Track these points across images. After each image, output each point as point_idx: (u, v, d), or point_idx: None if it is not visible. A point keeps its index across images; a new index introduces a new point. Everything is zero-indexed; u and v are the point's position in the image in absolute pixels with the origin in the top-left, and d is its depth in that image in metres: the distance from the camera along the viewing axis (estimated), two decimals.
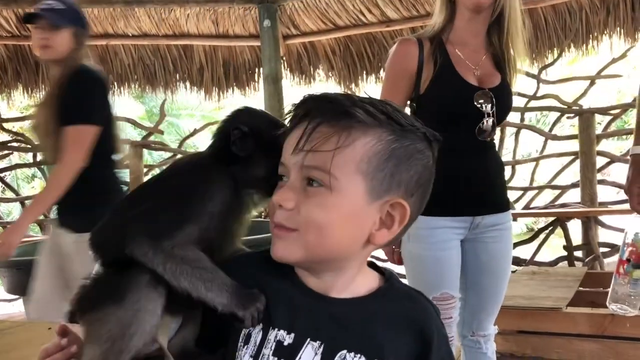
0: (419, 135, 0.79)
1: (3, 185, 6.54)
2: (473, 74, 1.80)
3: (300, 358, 0.76)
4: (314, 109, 0.76)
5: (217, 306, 0.77)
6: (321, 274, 0.80)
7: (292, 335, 0.77)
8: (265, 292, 0.80)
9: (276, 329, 0.78)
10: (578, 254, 4.64)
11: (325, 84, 5.80)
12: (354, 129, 0.74)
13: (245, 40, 5.63)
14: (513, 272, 4.09)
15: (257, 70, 5.83)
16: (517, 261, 4.90)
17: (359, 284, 0.81)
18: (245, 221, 0.89)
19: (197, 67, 5.85)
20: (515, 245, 5.20)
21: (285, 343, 0.77)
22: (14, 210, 8.05)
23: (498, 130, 5.23)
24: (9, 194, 6.46)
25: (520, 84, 5.50)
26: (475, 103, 1.76)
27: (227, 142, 0.84)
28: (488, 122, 1.77)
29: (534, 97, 5.17)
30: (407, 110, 1.88)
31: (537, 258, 4.99)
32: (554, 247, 5.30)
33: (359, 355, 0.75)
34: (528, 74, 5.21)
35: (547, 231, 4.97)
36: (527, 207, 5.16)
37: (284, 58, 5.58)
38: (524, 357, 2.78)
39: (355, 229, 0.77)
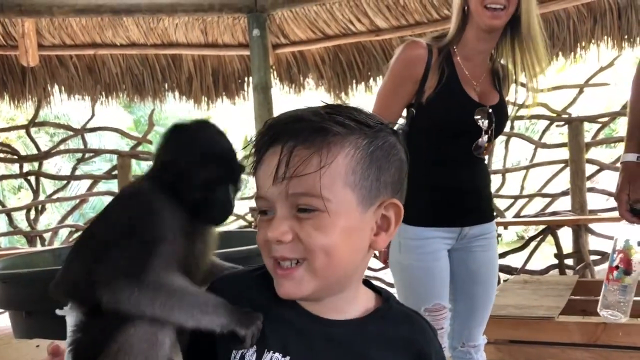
0: (387, 132, 0.77)
1: None
2: (474, 89, 1.79)
3: None
4: (283, 132, 0.73)
5: (215, 328, 0.75)
6: (322, 299, 0.78)
7: (287, 358, 0.75)
8: (259, 310, 0.78)
9: (271, 352, 0.75)
10: (569, 262, 4.65)
11: (315, 92, 5.80)
12: (332, 144, 0.72)
13: (234, 49, 5.61)
14: (505, 281, 4.08)
15: (246, 79, 5.82)
16: (508, 270, 4.90)
17: (356, 304, 0.80)
18: (211, 235, 0.88)
19: (186, 77, 5.82)
20: (506, 253, 5.21)
21: None
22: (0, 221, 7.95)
23: None
24: None
25: (510, 92, 5.53)
26: (476, 120, 1.76)
27: (159, 169, 0.82)
28: (484, 139, 1.78)
29: (523, 105, 5.19)
30: (401, 118, 1.88)
31: (528, 266, 4.99)
32: (544, 256, 5.31)
33: None
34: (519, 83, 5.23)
35: (537, 239, 4.97)
36: (517, 215, 5.16)
37: (274, 67, 5.57)
38: None
39: (358, 241, 0.75)
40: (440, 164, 1.80)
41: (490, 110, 1.77)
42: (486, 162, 1.98)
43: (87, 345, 0.76)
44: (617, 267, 1.74)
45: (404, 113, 1.85)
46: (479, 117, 1.76)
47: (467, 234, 1.83)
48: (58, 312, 0.83)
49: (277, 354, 0.75)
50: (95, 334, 0.75)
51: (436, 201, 1.80)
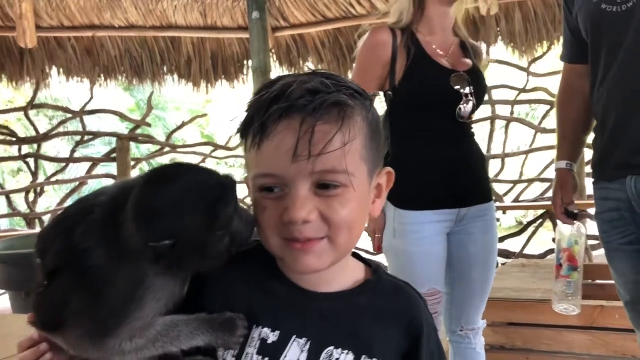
0: (368, 98, 0.76)
1: None
2: (445, 60, 1.80)
3: (285, 356, 0.73)
4: (297, 106, 0.69)
5: (203, 345, 0.73)
6: None
7: (277, 332, 0.74)
8: (247, 287, 0.77)
9: (260, 327, 0.75)
10: None
11: None
12: (350, 119, 0.71)
13: (233, 32, 5.58)
14: (503, 264, 4.10)
15: (245, 62, 5.79)
16: (506, 254, 4.92)
17: (346, 276, 0.79)
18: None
19: (184, 59, 5.79)
20: (505, 238, 5.22)
21: (270, 341, 0.74)
22: None
23: (488, 123, 5.25)
24: None
25: (510, 77, 5.51)
26: (453, 85, 1.75)
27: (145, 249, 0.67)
28: (467, 104, 1.76)
29: (523, 90, 5.18)
30: (382, 103, 1.87)
31: (526, 251, 5.01)
32: (542, 241, 5.32)
33: (346, 351, 0.73)
34: (518, 67, 5.21)
35: (536, 224, 4.98)
36: (516, 199, 5.17)
37: (273, 50, 5.54)
38: (514, 349, 2.77)
39: (366, 212, 0.77)
40: (427, 142, 1.78)
41: (464, 73, 1.77)
42: (479, 145, 1.93)
43: (48, 309, 0.74)
44: (560, 265, 1.82)
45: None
46: (458, 84, 1.75)
47: (465, 215, 1.80)
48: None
49: (266, 329, 0.75)
50: (52, 298, 0.72)
51: (428, 182, 1.77)
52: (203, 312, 0.76)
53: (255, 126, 0.71)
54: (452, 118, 1.75)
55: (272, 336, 0.74)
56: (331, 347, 0.73)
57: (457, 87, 1.75)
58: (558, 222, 1.85)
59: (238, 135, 0.76)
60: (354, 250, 0.82)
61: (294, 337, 0.74)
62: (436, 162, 1.77)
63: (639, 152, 1.50)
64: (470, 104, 1.76)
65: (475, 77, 1.80)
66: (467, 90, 1.75)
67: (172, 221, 0.65)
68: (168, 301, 0.73)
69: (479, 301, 1.90)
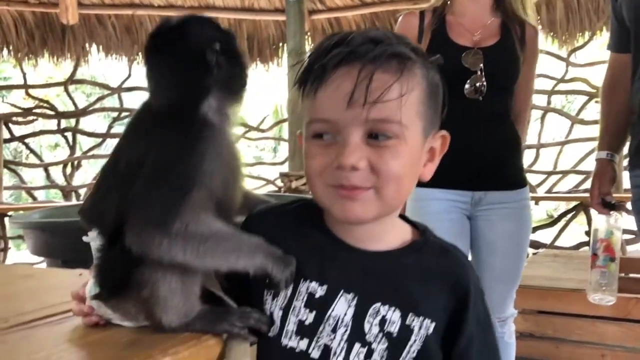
0: (434, 65, 0.77)
1: (28, 151, 6.63)
2: (471, 39, 1.77)
3: (333, 310, 0.74)
4: (357, 54, 0.69)
5: (250, 270, 0.73)
6: (363, 224, 0.77)
7: (325, 287, 0.75)
8: (294, 243, 0.77)
9: (307, 281, 0.75)
10: None
11: None
12: (410, 71, 0.71)
13: (270, 14, 5.60)
14: (534, 254, 4.06)
15: (281, 45, 5.80)
16: (536, 245, 4.86)
17: (393, 235, 0.79)
18: (239, 156, 0.82)
19: None
20: (536, 229, 5.16)
21: (317, 295, 0.75)
22: (36, 176, 8.15)
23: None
24: (33, 160, 6.53)
25: (548, 67, 5.41)
26: (464, 63, 1.71)
27: (196, 70, 0.73)
28: (479, 79, 1.71)
29: (562, 80, 5.08)
30: None
31: (558, 243, 4.94)
32: (574, 234, 5.25)
33: (393, 308, 0.73)
34: (557, 57, 5.12)
35: (568, 216, 4.91)
36: (549, 191, 5.10)
37: (309, 33, 5.54)
38: (544, 338, 2.75)
39: (417, 172, 0.77)
40: (442, 124, 1.76)
41: (477, 50, 1.73)
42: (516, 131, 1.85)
43: (110, 273, 0.74)
44: (596, 255, 1.81)
45: None
46: (467, 61, 1.72)
47: (481, 199, 1.76)
48: (84, 238, 0.79)
49: (313, 283, 0.75)
50: (117, 263, 0.72)
51: (440, 162, 1.74)
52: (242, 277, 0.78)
53: (315, 71, 0.71)
54: (463, 97, 1.71)
55: (319, 290, 0.75)
56: (378, 304, 0.73)
57: (468, 64, 1.71)
58: (594, 212, 1.83)
59: (296, 86, 0.76)
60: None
61: (341, 291, 0.74)
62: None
63: None
64: (482, 80, 1.71)
65: (492, 54, 1.73)
66: (478, 67, 1.71)
67: (214, 30, 0.77)
68: (222, 161, 0.74)
69: (503, 290, 1.85)
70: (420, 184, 1.81)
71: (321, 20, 5.60)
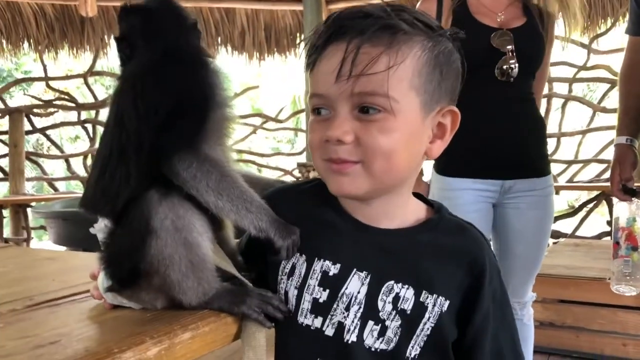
0: (447, 37, 0.75)
1: (49, 143, 6.72)
2: (495, 19, 1.73)
3: (346, 288, 0.74)
4: (348, 27, 0.70)
5: (253, 230, 0.73)
6: (372, 201, 0.77)
7: (338, 265, 0.75)
8: (308, 222, 0.78)
9: (322, 260, 0.76)
10: None
11: None
12: (401, 43, 0.69)
13: (287, 4, 5.58)
14: (555, 243, 4.02)
15: (298, 35, 5.78)
16: (557, 235, 4.82)
17: (407, 213, 0.78)
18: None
19: (238, 31, 5.84)
20: (557, 218, 5.10)
21: (331, 273, 0.75)
22: (57, 168, 8.27)
23: (545, 101, 5.10)
24: (54, 152, 6.62)
25: (569, 54, 5.33)
26: (493, 44, 1.68)
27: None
28: (508, 61, 1.67)
29: (583, 67, 5.00)
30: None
31: (579, 233, 4.89)
32: (596, 224, 5.18)
33: (406, 286, 0.73)
34: (579, 43, 5.04)
35: (590, 206, 4.85)
36: (570, 180, 5.04)
37: None
38: (564, 327, 2.73)
39: (416, 147, 0.74)
40: (471, 108, 1.72)
41: (506, 30, 1.69)
42: (539, 116, 1.83)
43: (117, 259, 0.74)
44: (618, 244, 1.78)
45: None
46: (497, 42, 1.68)
47: (511, 187, 1.74)
48: (91, 230, 0.80)
49: (327, 262, 0.75)
50: (122, 245, 0.73)
51: (469, 150, 1.70)
52: (259, 257, 0.81)
53: (311, 48, 0.73)
54: (494, 80, 1.68)
55: (333, 269, 0.75)
56: (391, 282, 0.73)
57: (497, 46, 1.68)
58: (615, 200, 1.80)
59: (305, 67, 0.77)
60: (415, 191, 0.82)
61: (354, 270, 0.75)
62: (477, 128, 1.67)
63: None
64: (513, 62, 1.67)
65: (521, 35, 1.70)
66: (508, 48, 1.67)
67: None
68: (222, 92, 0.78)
69: (525, 276, 1.84)
70: (449, 173, 1.78)
71: (338, 10, 5.58)
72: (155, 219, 0.68)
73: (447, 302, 0.72)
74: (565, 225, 5.05)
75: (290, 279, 0.77)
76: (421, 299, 0.72)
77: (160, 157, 0.70)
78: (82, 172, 5.97)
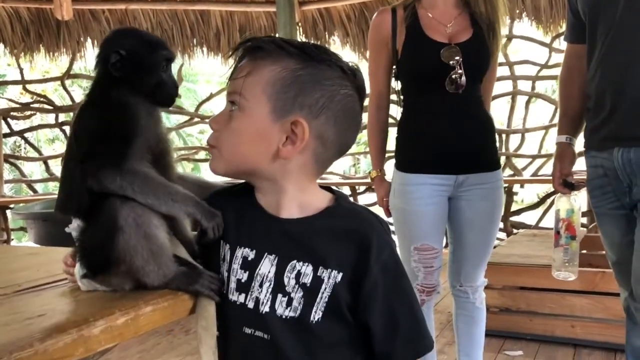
0: (331, 67, 0.89)
1: (27, 145, 6.77)
2: (445, 32, 1.88)
3: (260, 269, 0.90)
4: (243, 49, 0.90)
5: (183, 215, 0.89)
6: (266, 193, 0.94)
7: (254, 251, 0.91)
8: (232, 215, 0.94)
9: (242, 247, 0.92)
10: (583, 220, 4.74)
11: (340, 50, 5.87)
12: (262, 59, 0.88)
13: (261, 5, 5.71)
14: (514, 234, 4.22)
15: (272, 35, 5.90)
16: (522, 226, 5.03)
17: (306, 205, 0.93)
18: (167, 133, 1.00)
19: (213, 32, 5.95)
20: (522, 211, 5.32)
21: (249, 258, 0.91)
22: (35, 170, 8.30)
23: (509, 98, 5.28)
24: (32, 154, 6.68)
25: (532, 53, 5.54)
26: (443, 59, 1.83)
27: (107, 65, 0.90)
28: (457, 74, 1.82)
29: (545, 65, 5.22)
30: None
31: (543, 224, 5.11)
32: None
33: (306, 264, 0.88)
34: (540, 43, 5.25)
35: (552, 197, 5.07)
36: (535, 174, 5.25)
37: (300, 24, 5.65)
38: (519, 311, 2.92)
39: (263, 145, 0.89)
40: (426, 113, 1.90)
41: (454, 45, 1.84)
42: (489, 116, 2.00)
43: (90, 250, 0.88)
44: (559, 234, 1.92)
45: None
46: (446, 57, 1.83)
47: (464, 181, 1.90)
48: (66, 229, 0.93)
49: (246, 249, 0.91)
50: (94, 240, 0.86)
51: (425, 149, 1.91)
52: (207, 247, 0.96)
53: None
54: (445, 90, 1.84)
55: (251, 254, 0.91)
56: (294, 261, 0.89)
57: (446, 60, 1.83)
58: (557, 194, 1.95)
59: None
60: (325, 184, 0.99)
61: (265, 254, 0.90)
62: (430, 132, 1.89)
63: (626, 126, 1.62)
64: (460, 74, 1.82)
65: (469, 48, 1.86)
66: (456, 61, 1.82)
67: (125, 40, 0.92)
68: (148, 125, 0.92)
69: (476, 261, 2.01)
70: (409, 170, 1.96)
71: (311, 11, 5.72)
72: (120, 218, 0.83)
73: (340, 274, 0.87)
74: (531, 217, 5.27)
75: (223, 264, 0.93)
76: (318, 274, 0.88)
77: (87, 177, 0.85)
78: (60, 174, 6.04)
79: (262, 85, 0.88)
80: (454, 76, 1.83)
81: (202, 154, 6.37)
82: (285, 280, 0.89)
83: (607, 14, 1.64)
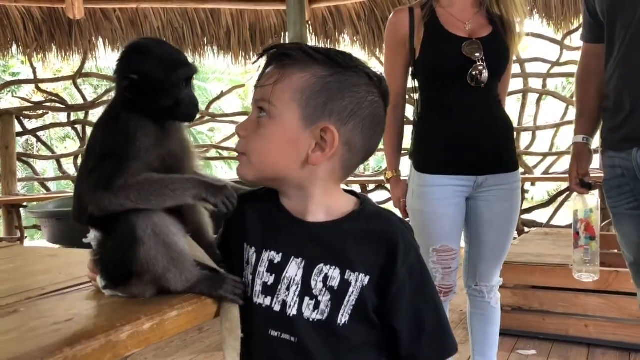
0: (358, 73, 0.91)
1: (39, 144, 6.82)
2: (464, 29, 1.88)
3: (287, 272, 0.91)
4: (269, 56, 0.92)
5: (190, 199, 0.87)
6: (292, 198, 0.94)
7: (280, 254, 0.92)
8: (258, 219, 0.96)
9: (268, 250, 0.93)
10: None
11: (350, 48, 5.86)
12: (290, 66, 0.89)
13: (271, 4, 5.72)
14: (526, 232, 4.21)
15: (282, 34, 5.92)
16: (533, 224, 5.01)
17: (332, 209, 0.94)
18: (184, 136, 0.97)
19: (224, 31, 5.97)
20: (533, 209, 5.31)
21: (275, 261, 0.92)
22: (48, 168, 8.36)
23: (520, 96, 5.26)
24: (44, 152, 6.73)
25: (543, 50, 5.51)
26: (464, 53, 1.83)
27: (129, 88, 0.87)
28: (479, 68, 1.83)
29: (557, 63, 5.19)
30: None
31: (554, 222, 5.09)
32: (569, 213, 5.38)
33: (333, 267, 0.89)
34: (552, 40, 5.22)
35: (564, 196, 5.05)
36: (546, 172, 5.23)
37: (310, 22, 5.65)
38: (531, 310, 2.92)
39: (293, 151, 0.90)
40: (447, 112, 1.90)
41: (476, 40, 1.85)
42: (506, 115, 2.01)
43: (110, 263, 0.88)
44: (578, 234, 1.92)
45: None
46: (468, 51, 1.83)
47: (483, 182, 1.89)
48: (84, 240, 0.94)
49: (272, 252, 0.92)
50: (115, 253, 0.86)
51: (444, 149, 1.90)
52: (229, 250, 0.97)
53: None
54: (466, 85, 1.85)
55: (277, 257, 0.92)
56: (321, 264, 0.90)
57: (468, 54, 1.83)
58: (574, 194, 1.94)
59: None
60: (348, 188, 0.99)
61: (292, 257, 0.91)
62: (452, 130, 1.88)
63: None
64: (484, 70, 1.83)
65: (490, 44, 1.86)
66: (478, 56, 1.83)
67: (139, 62, 0.89)
68: (153, 148, 0.88)
69: (493, 261, 2.01)
70: (427, 171, 1.96)
71: (321, 9, 5.72)
72: (139, 230, 0.84)
73: (367, 277, 0.88)
74: (542, 215, 5.25)
75: (248, 267, 0.94)
76: (346, 277, 0.89)
77: (87, 206, 0.85)
78: (72, 172, 6.09)
79: (292, 92, 0.88)
80: (474, 72, 1.83)
81: (212, 152, 6.39)
82: (313, 283, 0.90)
83: (626, 14, 1.63)
